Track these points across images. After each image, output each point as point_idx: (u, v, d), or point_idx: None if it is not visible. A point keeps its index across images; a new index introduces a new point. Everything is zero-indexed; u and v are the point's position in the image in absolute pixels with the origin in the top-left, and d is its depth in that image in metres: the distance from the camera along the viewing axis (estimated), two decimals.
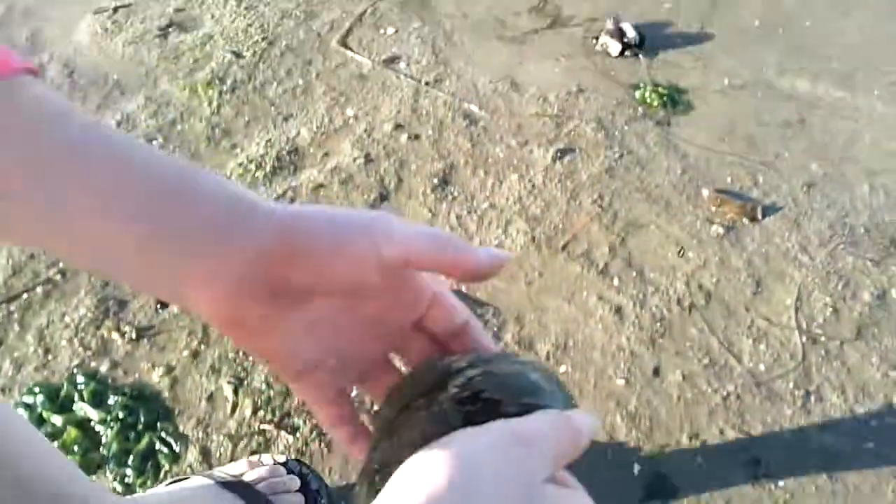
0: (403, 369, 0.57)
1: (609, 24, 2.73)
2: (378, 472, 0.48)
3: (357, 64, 2.70)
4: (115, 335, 1.93)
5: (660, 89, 2.56)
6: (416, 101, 2.56)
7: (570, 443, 0.44)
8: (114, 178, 0.42)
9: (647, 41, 2.73)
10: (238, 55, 2.74)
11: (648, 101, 2.53)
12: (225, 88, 2.60)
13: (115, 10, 2.99)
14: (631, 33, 2.69)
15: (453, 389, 0.48)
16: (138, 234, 0.43)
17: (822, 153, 2.38)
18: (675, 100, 2.54)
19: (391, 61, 2.72)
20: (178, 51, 2.77)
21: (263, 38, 2.81)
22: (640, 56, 2.70)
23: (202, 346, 1.91)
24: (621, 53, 2.69)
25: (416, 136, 2.43)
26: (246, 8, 2.95)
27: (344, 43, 2.79)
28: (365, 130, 2.46)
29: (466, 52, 2.76)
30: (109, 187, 0.42)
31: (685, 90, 2.59)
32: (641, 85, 2.58)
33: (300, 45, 2.79)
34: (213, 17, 2.93)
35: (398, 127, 2.47)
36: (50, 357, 1.88)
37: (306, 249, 0.46)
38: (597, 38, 2.75)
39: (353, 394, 1.56)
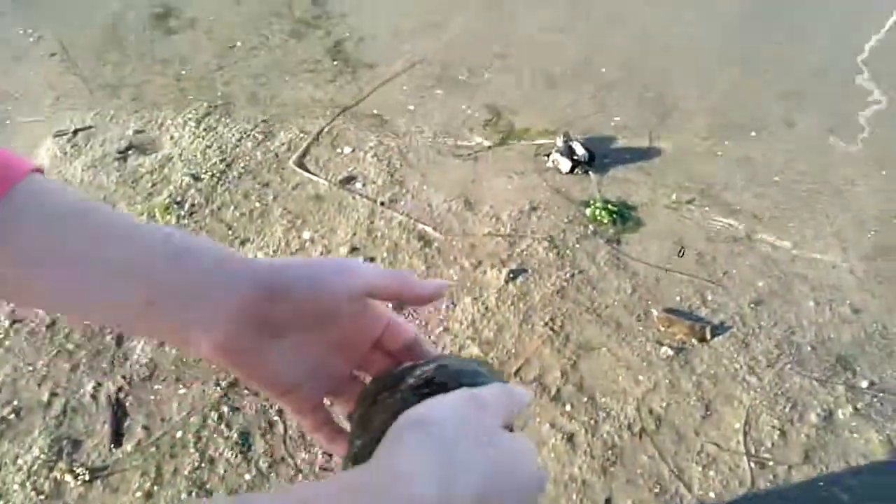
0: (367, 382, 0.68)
1: (559, 142, 2.81)
2: (358, 455, 0.58)
3: (314, 185, 2.75)
4: (68, 477, 1.91)
5: (609, 206, 2.62)
6: (372, 223, 2.60)
7: (512, 405, 0.57)
8: (119, 254, 0.54)
9: (597, 157, 2.81)
10: (196, 178, 2.78)
11: (599, 218, 2.59)
12: (183, 213, 2.63)
13: (76, 132, 3.03)
14: (580, 151, 2.76)
15: (410, 381, 0.59)
16: (142, 297, 0.55)
17: (768, 269, 2.44)
18: (624, 217, 2.60)
19: (348, 181, 2.77)
20: (137, 174, 2.80)
21: (222, 160, 2.86)
22: (591, 172, 2.77)
23: (155, 487, 1.89)
24: (571, 170, 2.76)
25: (371, 260, 2.47)
26: (205, 129, 3.01)
27: (301, 164, 2.84)
28: (321, 253, 2.49)
29: (421, 170, 2.82)
30: (118, 262, 0.54)
31: (634, 206, 2.66)
32: (592, 202, 2.64)
33: (258, 166, 2.83)
34: (172, 138, 2.98)
35: (353, 250, 2.50)
36: (2, 502, 1.86)
37: (285, 291, 0.57)
38: (548, 155, 2.82)
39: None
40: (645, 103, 3.13)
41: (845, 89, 3.18)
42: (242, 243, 2.54)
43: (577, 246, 2.51)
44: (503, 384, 0.59)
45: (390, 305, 0.65)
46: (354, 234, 2.56)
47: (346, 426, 0.66)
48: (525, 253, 2.48)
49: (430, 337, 2.23)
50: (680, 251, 2.36)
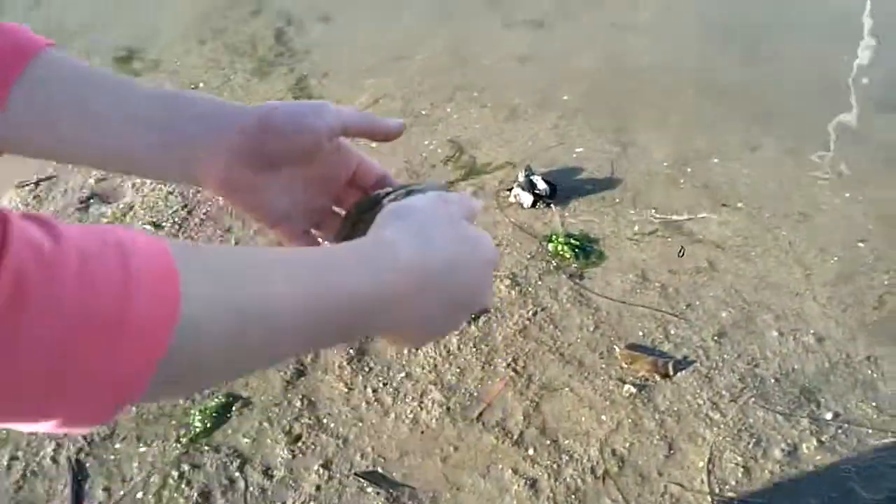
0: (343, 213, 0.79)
1: (520, 177, 2.80)
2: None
3: None
4: None
5: (572, 240, 2.61)
6: None
7: (471, 206, 0.72)
8: (132, 106, 0.66)
9: (559, 189, 2.80)
10: (157, 225, 2.76)
11: (561, 252, 2.58)
12: None
13: (38, 183, 3.02)
14: (541, 185, 2.76)
15: (388, 200, 0.70)
16: (157, 141, 0.66)
17: (732, 299, 2.42)
18: (587, 250, 2.59)
19: None
20: (99, 223, 2.78)
21: (183, 207, 2.85)
22: (553, 206, 2.77)
23: None
24: (534, 204, 2.75)
25: None
26: None
27: None
28: None
29: None
30: (130, 112, 0.66)
31: (597, 239, 2.65)
32: (554, 237, 2.63)
33: (219, 212, 2.82)
34: (133, 186, 2.96)
35: None
36: None
37: (275, 128, 0.68)
38: (510, 190, 2.82)
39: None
40: (607, 131, 3.12)
41: (810, 112, 3.19)
42: None
43: (540, 282, 2.50)
44: (463, 192, 0.75)
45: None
46: None
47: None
48: None
49: (391, 386, 2.22)
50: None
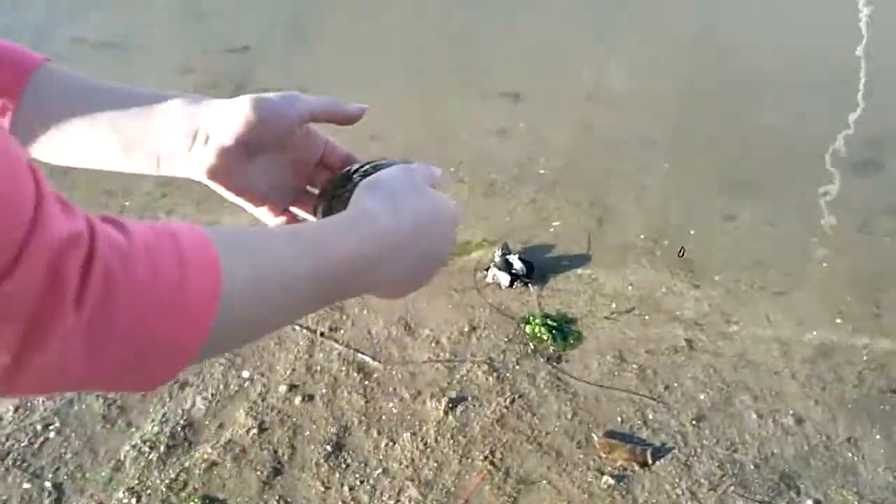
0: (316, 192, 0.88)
1: (497, 257, 2.81)
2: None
3: None
4: None
5: (549, 321, 2.60)
6: (311, 356, 2.57)
7: (432, 173, 0.80)
8: (129, 109, 0.75)
9: (536, 268, 2.81)
10: None
11: (539, 335, 2.57)
12: None
13: None
14: (518, 265, 2.76)
15: (357, 175, 0.80)
16: (156, 152, 0.76)
17: (710, 380, 2.41)
18: (564, 332, 2.58)
19: None
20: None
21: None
22: (530, 285, 2.77)
23: None
24: (511, 284, 2.75)
25: (310, 397, 2.44)
26: None
27: None
28: (259, 394, 2.46)
29: None
30: (128, 114, 0.75)
31: (574, 319, 2.64)
32: (531, 318, 2.63)
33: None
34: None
35: (293, 388, 2.47)
36: None
37: (258, 119, 0.76)
38: (487, 269, 2.82)
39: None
40: (584, 206, 3.13)
41: (785, 180, 3.20)
42: (182, 387, 2.51)
43: (518, 367, 2.49)
44: (424, 163, 0.82)
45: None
46: (293, 371, 2.53)
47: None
48: (465, 379, 2.46)
49: (367, 484, 2.20)
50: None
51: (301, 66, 4.21)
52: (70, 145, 0.76)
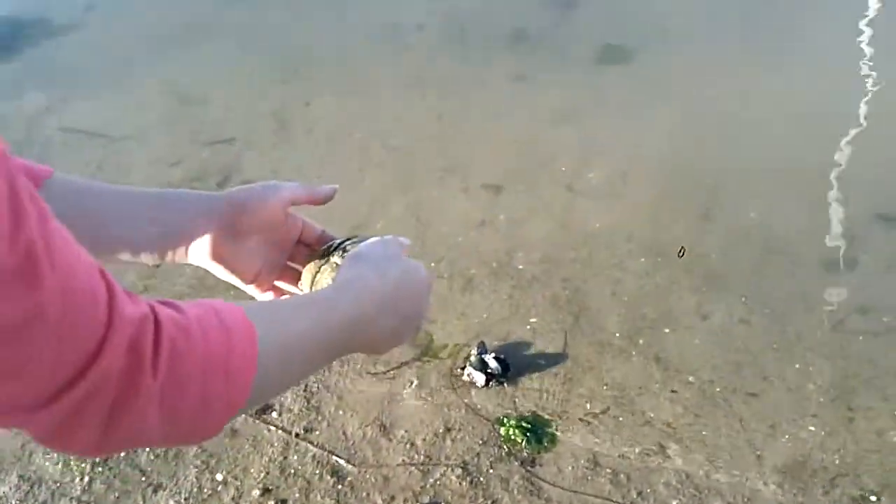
0: (298, 267, 1.00)
1: (473, 356, 2.83)
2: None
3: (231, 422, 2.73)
4: None
5: (524, 423, 2.61)
6: (286, 458, 2.58)
7: (403, 242, 0.94)
8: (133, 209, 0.87)
9: (512, 366, 2.83)
10: None
11: (513, 437, 2.58)
12: (97, 459, 2.60)
13: None
14: (493, 364, 2.78)
15: (337, 253, 0.94)
16: (157, 234, 0.87)
17: (682, 486, 2.42)
18: (538, 434, 2.59)
19: (264, 411, 2.76)
20: None
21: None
22: (505, 384, 2.78)
23: None
24: (486, 384, 2.77)
25: (283, 502, 2.43)
26: None
27: None
28: (232, 498, 2.46)
29: (338, 393, 2.82)
30: (132, 213, 0.86)
31: (549, 421, 2.65)
32: (505, 420, 2.64)
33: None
34: None
35: (266, 492, 2.47)
36: None
37: (244, 207, 0.90)
38: (463, 368, 2.84)
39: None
40: (560, 301, 3.16)
41: (759, 277, 3.23)
42: (155, 490, 2.51)
43: (492, 471, 2.49)
44: (395, 236, 0.94)
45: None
46: (267, 474, 2.53)
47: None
48: (438, 483, 2.46)
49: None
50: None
51: (285, 157, 4.29)
52: (87, 245, 0.87)
